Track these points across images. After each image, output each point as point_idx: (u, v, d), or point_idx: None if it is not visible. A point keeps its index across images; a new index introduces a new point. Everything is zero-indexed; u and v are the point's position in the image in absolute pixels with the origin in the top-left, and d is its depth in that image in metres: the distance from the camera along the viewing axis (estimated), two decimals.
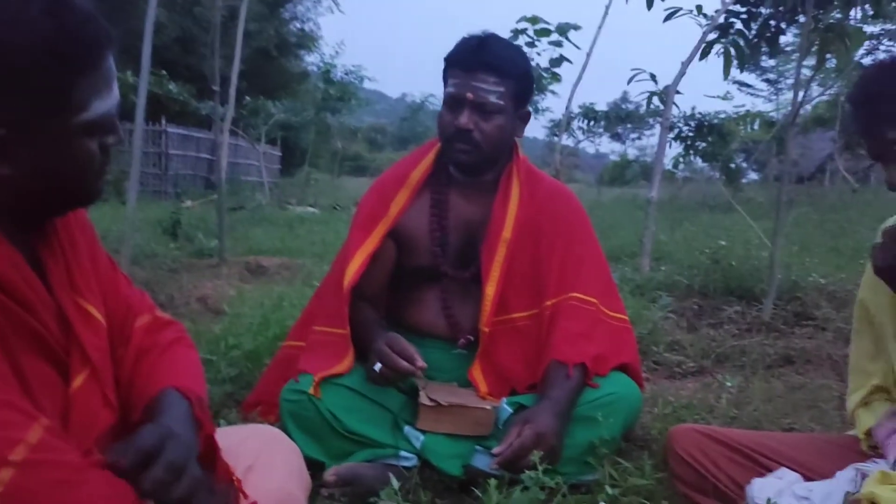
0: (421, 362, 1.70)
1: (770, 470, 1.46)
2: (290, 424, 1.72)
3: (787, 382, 2.59)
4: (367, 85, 18.98)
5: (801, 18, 3.97)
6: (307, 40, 21.02)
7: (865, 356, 1.55)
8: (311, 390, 1.72)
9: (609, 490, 1.53)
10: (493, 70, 1.77)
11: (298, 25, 20.90)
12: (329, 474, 1.64)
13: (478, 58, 1.78)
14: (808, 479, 1.41)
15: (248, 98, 13.32)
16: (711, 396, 2.40)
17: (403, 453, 1.74)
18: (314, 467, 1.54)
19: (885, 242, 1.38)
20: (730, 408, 2.25)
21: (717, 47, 4.49)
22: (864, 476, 1.31)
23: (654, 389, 2.50)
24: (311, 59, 21.47)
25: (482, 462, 1.72)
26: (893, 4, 4.00)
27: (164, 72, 9.77)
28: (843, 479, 1.34)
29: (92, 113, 0.96)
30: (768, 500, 1.32)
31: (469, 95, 1.77)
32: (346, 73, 16.79)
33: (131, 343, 1.20)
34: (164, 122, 13.86)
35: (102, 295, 1.15)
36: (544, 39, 6.30)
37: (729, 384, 2.43)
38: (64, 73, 0.93)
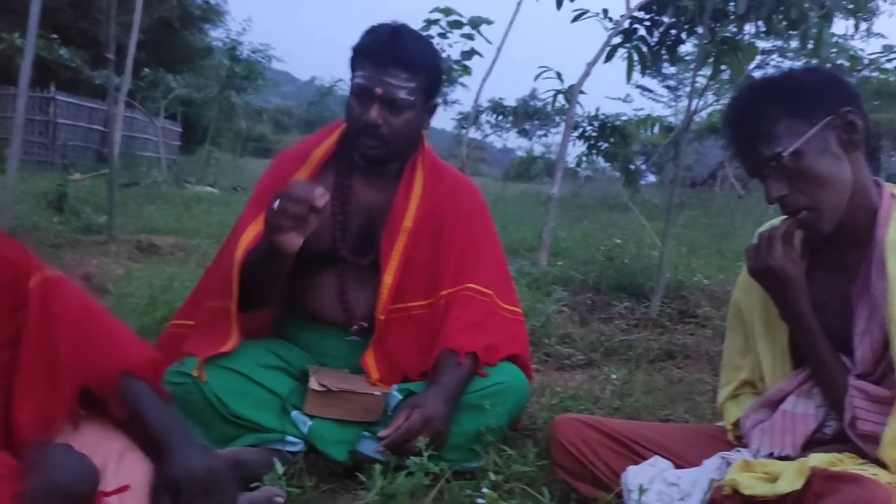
0: (322, 193, 1.56)
1: (645, 458, 1.53)
2: None
3: (667, 376, 2.71)
4: (275, 65, 18.49)
5: (700, 30, 4.15)
6: (212, 14, 20.33)
7: (736, 352, 1.64)
8: (195, 373, 1.67)
9: (492, 476, 1.56)
10: (403, 66, 1.76)
11: None
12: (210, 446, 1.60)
13: (389, 52, 1.76)
14: (679, 466, 1.49)
15: (147, 70, 12.78)
16: (597, 388, 2.49)
17: (290, 438, 1.71)
18: None
19: (758, 245, 1.46)
20: (613, 399, 2.34)
21: (622, 51, 4.64)
22: (728, 464, 1.39)
23: (544, 380, 2.56)
24: (216, 34, 20.77)
25: (369, 448, 1.72)
26: (784, 23, 4.23)
27: (55, 36, 9.24)
28: (710, 466, 1.42)
29: None
30: (640, 485, 1.38)
31: (379, 90, 1.75)
32: (254, 52, 16.32)
33: (30, 304, 1.17)
34: (53, 88, 13.11)
35: None
36: (456, 31, 6.34)
37: (614, 377, 2.52)
38: None
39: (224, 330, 1.76)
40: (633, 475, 1.45)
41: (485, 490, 1.49)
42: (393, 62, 1.76)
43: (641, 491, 1.37)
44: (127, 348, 1.24)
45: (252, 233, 1.82)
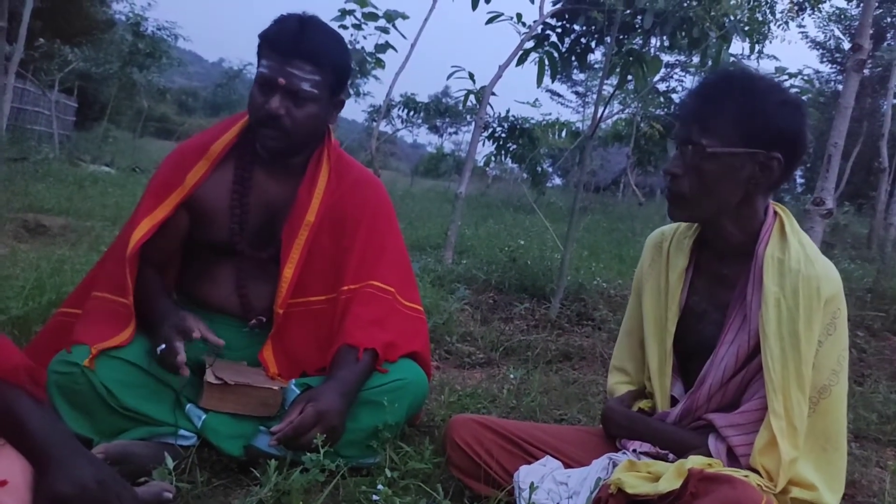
0: (215, 339, 1.70)
1: (537, 458, 1.58)
2: (57, 398, 1.59)
3: (563, 377, 2.79)
4: (181, 44, 17.88)
5: (608, 40, 4.28)
6: None
7: (626, 354, 1.72)
8: (85, 362, 1.60)
9: (388, 473, 1.57)
10: (310, 59, 1.74)
11: None
12: (97, 451, 1.54)
13: (296, 44, 1.73)
14: (568, 466, 1.54)
15: (42, 40, 12.08)
16: (495, 387, 2.53)
17: (183, 432, 1.67)
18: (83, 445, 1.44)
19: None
20: (510, 398, 2.39)
21: (533, 55, 4.74)
22: (615, 464, 1.45)
23: (443, 378, 2.59)
24: (119, 8, 19.86)
25: (264, 443, 1.69)
26: (686, 40, 4.42)
27: None
28: (598, 466, 1.48)
29: None
30: (531, 484, 1.42)
31: (281, 81, 1.72)
32: (159, 29, 15.73)
33: None
34: None
35: None
36: (371, 23, 6.31)
37: (512, 376, 2.58)
38: None
39: (119, 321, 1.71)
40: (525, 474, 1.50)
41: (380, 486, 1.49)
42: (299, 54, 1.74)
43: (532, 489, 1.41)
44: None
45: (146, 227, 1.78)
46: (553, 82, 5.06)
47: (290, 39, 1.73)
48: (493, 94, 5.22)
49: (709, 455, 1.41)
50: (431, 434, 1.97)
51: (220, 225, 1.83)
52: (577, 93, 25.52)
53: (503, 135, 13.86)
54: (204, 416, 1.69)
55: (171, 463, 1.48)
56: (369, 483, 1.60)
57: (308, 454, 1.51)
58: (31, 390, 1.19)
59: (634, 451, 1.54)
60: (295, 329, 1.86)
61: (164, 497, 1.37)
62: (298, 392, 1.74)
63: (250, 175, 1.86)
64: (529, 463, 1.56)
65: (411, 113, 16.74)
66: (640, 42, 4.56)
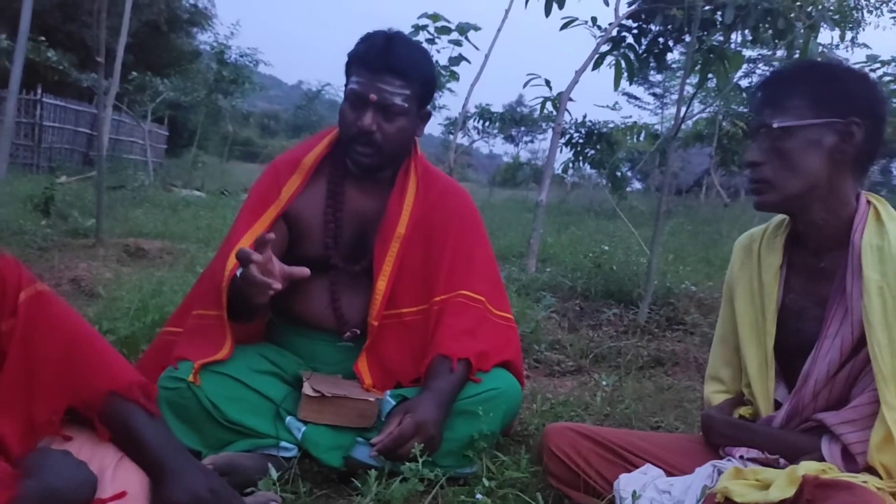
0: (301, 271, 1.54)
1: (636, 466, 1.54)
2: (167, 413, 1.66)
3: (656, 383, 2.73)
4: (262, 69, 18.47)
5: (687, 38, 4.19)
6: (200, 17, 20.26)
7: (720, 362, 1.67)
8: (190, 378, 1.67)
9: (486, 482, 1.57)
10: (399, 73, 1.77)
11: (192, 1, 20.11)
12: (206, 463, 1.60)
13: (384, 60, 1.77)
14: (670, 474, 1.51)
15: (134, 73, 12.71)
16: (587, 394, 2.50)
17: (284, 444, 1.72)
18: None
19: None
20: (603, 405, 2.35)
21: (610, 59, 4.68)
22: (720, 472, 1.41)
23: (534, 386, 2.58)
24: (204, 38, 20.70)
25: (363, 454, 1.72)
26: (769, 32, 4.28)
27: (42, 38, 9.18)
28: (702, 474, 1.43)
29: None
30: (634, 492, 1.40)
31: (373, 97, 1.76)
32: (241, 56, 16.28)
33: (18, 316, 1.18)
34: (39, 91, 13.01)
35: None
36: (444, 37, 6.37)
37: (604, 383, 2.54)
38: None
39: (218, 338, 1.76)
40: (625, 483, 1.47)
41: (479, 496, 1.50)
42: (388, 69, 1.77)
43: (635, 497, 1.39)
44: (115, 370, 1.25)
45: (246, 242, 1.82)
46: (630, 85, 4.99)
47: (379, 55, 1.77)
48: (571, 99, 5.18)
49: (821, 459, 1.35)
50: (526, 443, 1.96)
51: (314, 239, 1.88)
52: (654, 94, 25.04)
53: (580, 141, 13.71)
54: (304, 428, 1.73)
55: (274, 474, 1.52)
56: (467, 493, 1.60)
57: (407, 464, 1.53)
58: (145, 405, 1.24)
59: (741, 457, 1.49)
60: (388, 341, 1.88)
61: None
62: (394, 403, 1.76)
63: (342, 189, 1.90)
64: (629, 471, 1.52)
65: (486, 123, 16.77)
66: (721, 38, 4.44)
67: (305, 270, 1.56)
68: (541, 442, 1.68)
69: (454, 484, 1.68)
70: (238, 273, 1.54)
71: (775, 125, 1.40)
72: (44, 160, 13.06)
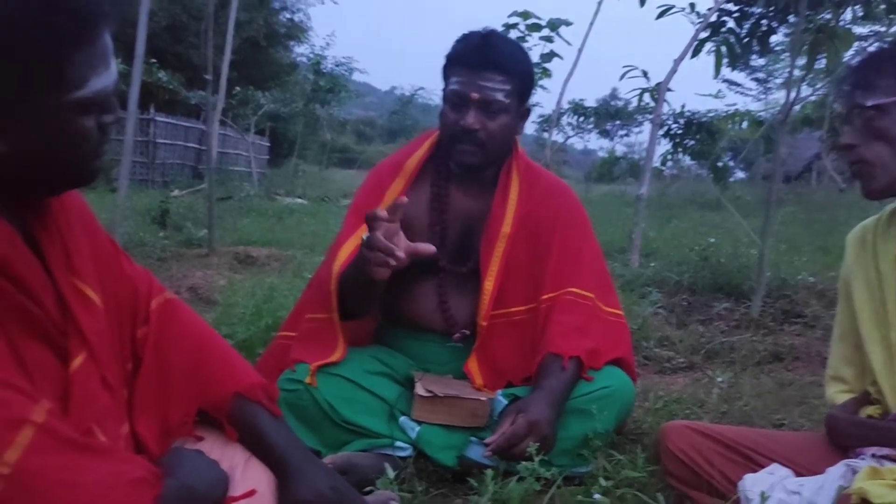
0: (426, 247, 1.58)
1: (762, 466, 1.48)
2: (286, 414, 1.71)
3: (776, 379, 2.62)
4: (356, 77, 18.91)
5: (793, 18, 4.00)
6: (297, 31, 20.90)
7: (841, 361, 1.59)
8: (307, 379, 1.72)
9: (603, 482, 1.55)
10: (498, 69, 1.77)
11: (288, 16, 20.78)
12: (325, 463, 1.65)
13: (483, 56, 1.77)
14: (799, 474, 1.43)
15: (237, 88, 13.26)
16: (702, 391, 2.42)
17: (399, 443, 1.74)
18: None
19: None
20: (720, 403, 2.27)
21: (709, 45, 4.52)
22: (854, 472, 1.33)
23: (645, 384, 2.52)
24: (300, 50, 21.36)
25: (477, 453, 1.73)
26: (882, 7, 4.04)
27: (153, 60, 9.70)
28: (835, 474, 1.36)
29: (88, 90, 0.94)
30: (762, 493, 1.34)
31: (474, 95, 1.77)
32: (337, 65, 16.74)
33: (150, 323, 1.23)
34: (152, 110, 13.76)
35: (101, 276, 1.15)
36: (535, 35, 6.32)
37: (719, 379, 2.46)
38: (56, 46, 0.90)
39: (330, 340, 1.81)
40: (752, 483, 1.41)
41: (596, 496, 1.47)
42: (487, 65, 1.78)
43: (763, 499, 1.33)
44: (239, 372, 1.28)
45: (350, 246, 1.86)
46: (732, 71, 4.81)
47: (477, 52, 1.78)
48: (669, 89, 5.03)
49: None
50: (641, 441, 1.92)
51: (420, 242, 1.90)
52: (756, 80, 24.02)
53: (680, 131, 13.31)
54: (418, 428, 1.75)
55: (391, 473, 1.55)
56: (584, 492, 1.58)
57: (523, 463, 1.52)
58: (268, 406, 1.29)
59: (874, 455, 1.40)
60: (498, 340, 1.88)
61: None
62: (506, 403, 1.76)
63: (446, 191, 1.92)
64: (754, 471, 1.46)
65: (581, 119, 16.52)
66: (830, 15, 4.21)
67: (430, 247, 1.58)
68: (658, 441, 1.64)
69: (570, 483, 1.66)
70: (364, 237, 1.55)
71: (868, 104, 1.35)
72: (158, 175, 13.78)
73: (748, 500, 1.38)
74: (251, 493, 1.17)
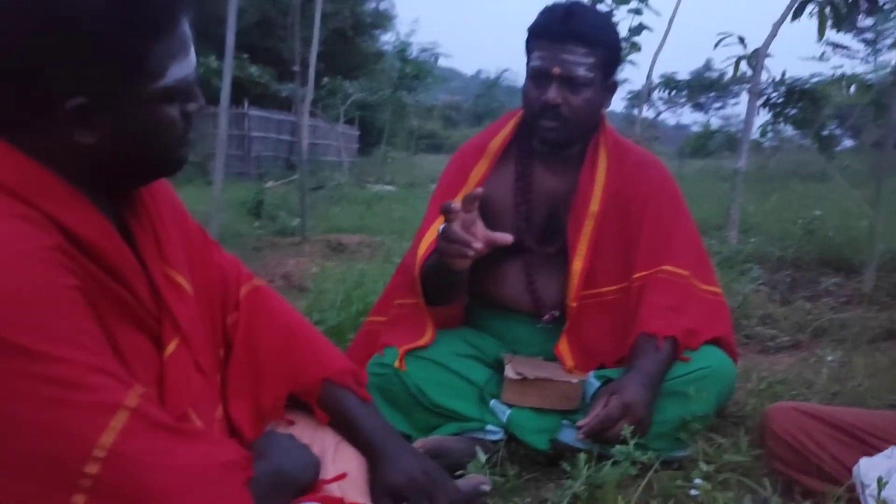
0: (503, 237, 1.54)
1: (878, 449, 1.38)
2: (377, 398, 1.71)
3: (892, 357, 2.45)
4: (441, 62, 18.93)
5: None
6: (382, 19, 21.12)
7: None
8: (396, 364, 1.72)
9: (704, 466, 1.48)
10: (581, 40, 1.71)
11: (373, 5, 21.01)
12: (416, 446, 1.65)
13: (566, 28, 1.71)
14: None
15: (326, 79, 13.50)
16: (809, 371, 2.30)
17: (490, 427, 1.72)
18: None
19: None
20: (830, 383, 2.14)
21: (811, 6, 4.26)
22: None
23: (746, 364, 2.40)
24: (386, 38, 21.58)
25: (569, 436, 1.68)
26: None
27: (245, 55, 9.97)
28: None
29: (169, 79, 0.95)
30: (879, 478, 1.25)
31: (556, 70, 1.71)
32: (422, 51, 16.81)
33: (240, 310, 1.26)
34: (246, 104, 14.20)
35: (191, 264, 1.17)
36: (623, 7, 6.14)
37: (829, 358, 2.32)
38: (136, 37, 0.91)
39: (419, 324, 1.81)
40: (867, 468, 1.32)
41: (697, 480, 1.41)
42: (570, 38, 1.71)
43: (881, 484, 1.24)
44: (328, 357, 1.29)
45: (434, 233, 1.83)
46: (837, 33, 4.53)
47: (560, 24, 1.72)
48: (768, 55, 4.78)
49: None
50: (744, 424, 1.83)
51: (506, 222, 1.86)
52: (864, 41, 22.59)
53: (779, 101, 12.69)
54: (509, 411, 1.73)
55: (483, 457, 1.53)
56: (683, 477, 1.52)
57: (617, 447, 1.48)
58: (357, 391, 1.29)
59: None
60: (589, 321, 1.83)
61: (481, 489, 1.42)
62: (598, 385, 1.71)
63: (531, 170, 1.87)
64: (870, 455, 1.37)
65: (672, 93, 16.00)
66: None
67: (507, 237, 1.54)
68: (762, 423, 1.56)
69: (668, 468, 1.59)
70: (440, 229, 1.53)
71: None
72: (253, 168, 14.22)
73: (864, 486, 1.29)
74: (342, 477, 1.17)
